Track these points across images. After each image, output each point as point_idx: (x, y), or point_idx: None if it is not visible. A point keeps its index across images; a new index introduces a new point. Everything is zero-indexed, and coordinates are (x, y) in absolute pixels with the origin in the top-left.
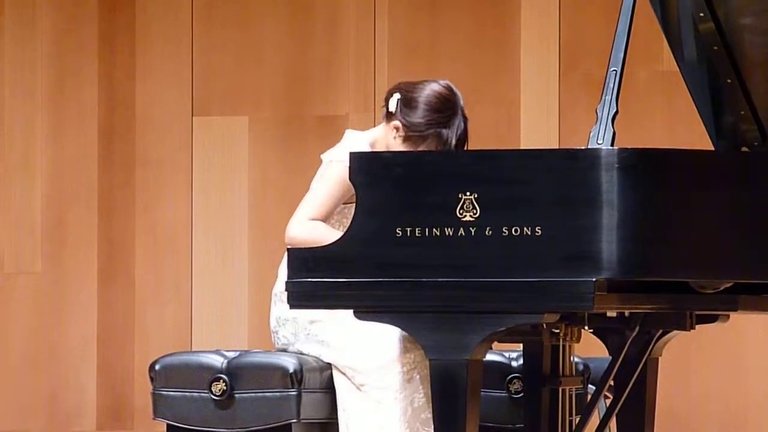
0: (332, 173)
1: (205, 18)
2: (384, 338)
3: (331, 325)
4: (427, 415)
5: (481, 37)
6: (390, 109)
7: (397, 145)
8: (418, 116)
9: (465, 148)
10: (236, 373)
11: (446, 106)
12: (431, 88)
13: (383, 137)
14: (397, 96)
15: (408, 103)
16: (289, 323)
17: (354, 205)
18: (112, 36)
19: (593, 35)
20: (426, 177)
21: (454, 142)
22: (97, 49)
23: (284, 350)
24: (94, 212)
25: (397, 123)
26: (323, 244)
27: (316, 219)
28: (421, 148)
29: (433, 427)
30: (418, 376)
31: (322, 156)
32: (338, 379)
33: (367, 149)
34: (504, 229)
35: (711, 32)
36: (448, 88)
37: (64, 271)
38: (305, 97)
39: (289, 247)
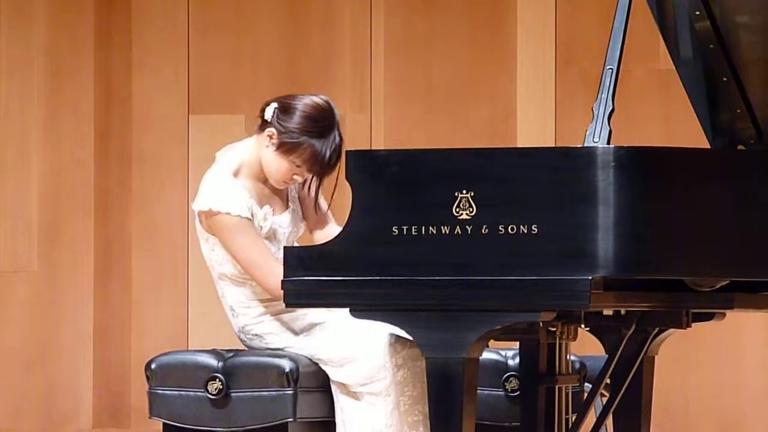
0: (232, 233)
1: (202, 15)
2: (370, 345)
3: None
4: (414, 417)
5: (478, 35)
6: (265, 118)
7: (269, 155)
8: (293, 122)
9: (336, 169)
10: (232, 372)
11: (323, 117)
12: (310, 98)
13: (254, 149)
14: (274, 105)
15: (285, 110)
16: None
17: None
18: (108, 33)
19: (589, 33)
20: (422, 175)
21: (327, 155)
22: (93, 46)
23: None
24: (90, 210)
25: (271, 130)
26: None
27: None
28: (291, 159)
29: (424, 427)
30: (408, 374)
31: (193, 206)
32: (333, 380)
33: (231, 184)
34: (500, 227)
35: (707, 30)
36: (327, 102)
37: (60, 270)
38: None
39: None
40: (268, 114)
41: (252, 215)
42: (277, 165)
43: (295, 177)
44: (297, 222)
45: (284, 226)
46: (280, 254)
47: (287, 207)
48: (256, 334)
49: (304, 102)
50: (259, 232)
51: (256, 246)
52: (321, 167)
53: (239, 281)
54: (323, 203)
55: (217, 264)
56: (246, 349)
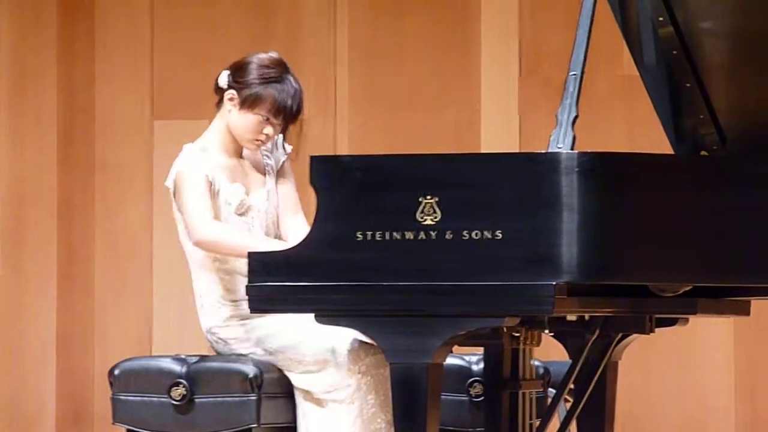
0: (187, 183)
1: (165, 21)
2: (335, 353)
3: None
4: (377, 425)
5: (442, 41)
6: (220, 86)
7: (235, 117)
8: (250, 75)
9: (301, 118)
10: (196, 378)
11: (277, 65)
12: (260, 53)
13: (219, 124)
14: (226, 72)
15: (238, 68)
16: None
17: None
18: (71, 40)
19: (553, 39)
20: (386, 181)
21: (289, 101)
22: (57, 53)
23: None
24: (53, 216)
25: (231, 93)
26: (233, 240)
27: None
28: (256, 112)
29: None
30: (372, 381)
31: (166, 183)
32: (297, 387)
33: (199, 154)
34: (464, 233)
35: (670, 36)
36: (276, 53)
37: (23, 275)
38: None
39: (200, 248)
40: (222, 81)
41: (212, 180)
42: (244, 122)
43: (265, 132)
44: (273, 201)
45: (260, 202)
46: (256, 231)
47: (264, 185)
48: (221, 338)
49: (256, 56)
50: (221, 203)
51: (198, 198)
52: (285, 114)
53: (209, 269)
54: (288, 147)
55: (190, 248)
56: (211, 351)
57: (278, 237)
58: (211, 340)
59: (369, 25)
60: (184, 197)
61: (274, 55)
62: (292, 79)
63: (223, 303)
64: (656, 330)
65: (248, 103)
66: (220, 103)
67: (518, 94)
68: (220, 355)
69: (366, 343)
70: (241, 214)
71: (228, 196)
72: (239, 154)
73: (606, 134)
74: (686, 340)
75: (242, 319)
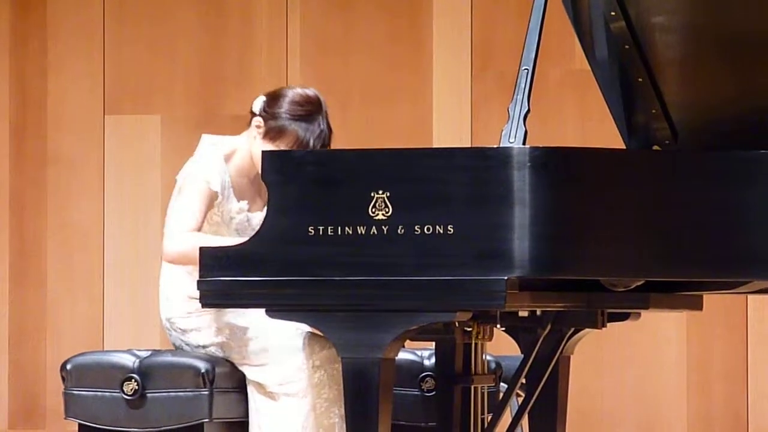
0: (190, 188)
1: (117, 15)
2: (288, 347)
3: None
4: (330, 420)
5: (394, 34)
6: (253, 110)
7: (258, 145)
8: (280, 108)
9: None
10: (148, 372)
11: (309, 103)
12: (299, 87)
13: (245, 143)
14: (262, 97)
15: (273, 98)
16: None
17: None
18: (23, 32)
19: (505, 33)
20: (338, 175)
21: (311, 142)
22: (9, 46)
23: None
24: (5, 210)
25: (258, 120)
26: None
27: (190, 231)
28: (277, 145)
29: (339, 429)
30: (325, 376)
31: (177, 177)
32: (250, 381)
33: (220, 161)
34: (416, 228)
35: (622, 31)
36: (315, 93)
37: None
38: (218, 95)
39: (171, 263)
40: (257, 106)
41: (221, 190)
42: None
43: None
44: None
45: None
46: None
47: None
48: (180, 328)
49: (293, 90)
50: (224, 214)
51: (194, 209)
52: None
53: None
54: None
55: None
56: (163, 345)
57: None
58: (168, 328)
59: (321, 19)
60: (178, 202)
61: (310, 92)
62: (321, 119)
63: (191, 298)
64: (609, 326)
65: (272, 134)
66: (250, 121)
67: (471, 90)
68: (172, 350)
69: (320, 337)
70: (239, 231)
71: (232, 212)
72: (255, 173)
73: (558, 129)
74: (639, 336)
75: (203, 312)
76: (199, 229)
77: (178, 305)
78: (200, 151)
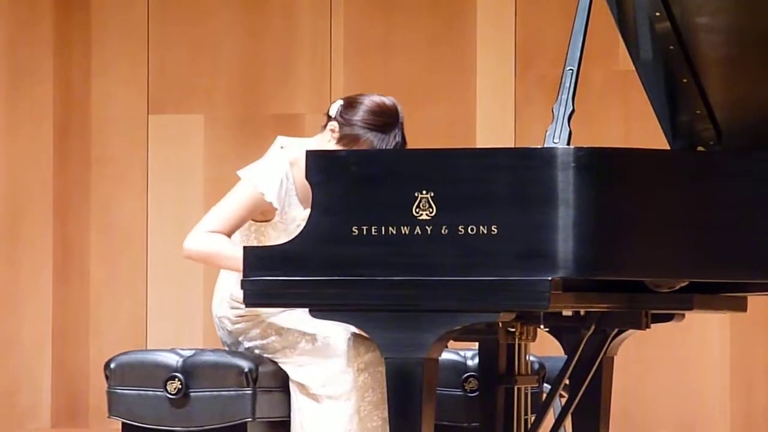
0: (240, 191)
1: (161, 16)
2: (333, 348)
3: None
4: (374, 423)
5: (437, 36)
6: (330, 114)
7: (331, 148)
8: (355, 115)
9: None
10: (191, 371)
11: (386, 113)
12: (377, 95)
13: (317, 147)
14: (340, 101)
15: (350, 104)
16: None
17: (269, 223)
18: (67, 34)
19: (549, 34)
20: (382, 175)
21: None
22: (53, 47)
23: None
24: (49, 210)
25: (333, 124)
26: (220, 258)
27: (216, 232)
28: None
29: (387, 429)
30: (369, 379)
31: (239, 172)
32: (293, 381)
33: (285, 167)
34: (460, 228)
35: (667, 31)
36: (393, 102)
37: (19, 269)
38: (261, 95)
39: (188, 258)
40: (333, 110)
41: (277, 200)
42: None
43: None
44: None
45: None
46: None
47: None
48: (229, 331)
49: (370, 98)
50: (292, 228)
51: (234, 213)
52: None
53: None
54: None
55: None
56: (207, 344)
57: None
58: (218, 325)
59: (364, 20)
60: (221, 201)
61: (388, 102)
62: (397, 131)
63: (233, 299)
64: (652, 326)
65: (345, 140)
66: (325, 125)
67: (514, 89)
68: (215, 349)
69: (365, 339)
70: None
71: (297, 219)
72: None
73: (602, 129)
74: (682, 337)
75: (258, 317)
76: (230, 234)
77: (234, 308)
78: (269, 153)
